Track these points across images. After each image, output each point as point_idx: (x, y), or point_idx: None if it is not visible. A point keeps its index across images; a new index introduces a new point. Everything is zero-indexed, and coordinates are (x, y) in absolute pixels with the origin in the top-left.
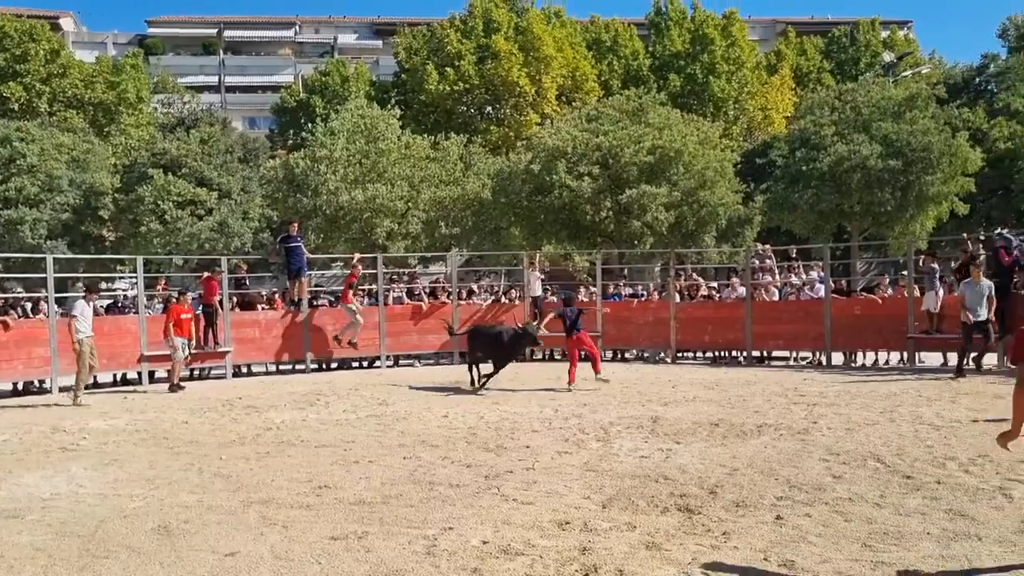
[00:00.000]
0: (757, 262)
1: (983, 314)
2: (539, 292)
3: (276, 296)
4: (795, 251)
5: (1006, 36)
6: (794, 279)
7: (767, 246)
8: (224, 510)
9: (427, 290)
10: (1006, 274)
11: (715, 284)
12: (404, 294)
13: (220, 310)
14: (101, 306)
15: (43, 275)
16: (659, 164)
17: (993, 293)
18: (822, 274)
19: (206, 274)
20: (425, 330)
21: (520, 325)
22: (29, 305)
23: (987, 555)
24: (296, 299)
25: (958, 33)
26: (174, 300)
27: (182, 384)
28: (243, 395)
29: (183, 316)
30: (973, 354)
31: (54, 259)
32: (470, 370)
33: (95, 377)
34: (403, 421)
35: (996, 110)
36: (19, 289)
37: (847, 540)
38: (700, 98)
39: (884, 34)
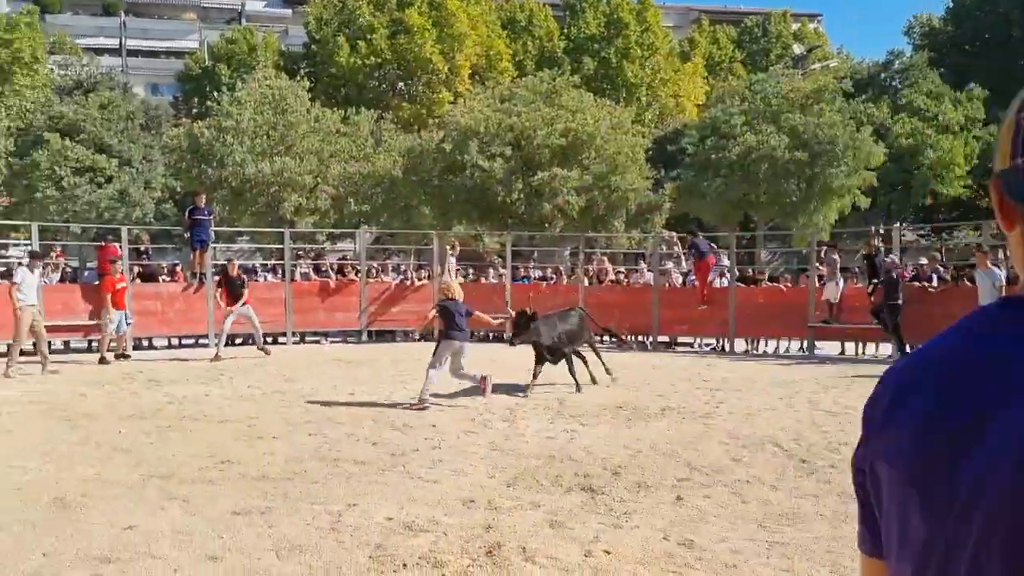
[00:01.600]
0: (664, 248)
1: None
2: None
3: (179, 269)
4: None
5: (911, 34)
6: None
7: (673, 233)
8: (123, 484)
9: (335, 267)
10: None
11: (623, 269)
12: (311, 270)
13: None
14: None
15: None
16: (571, 147)
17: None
18: (727, 262)
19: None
20: (333, 307)
21: None
22: None
23: None
24: (199, 271)
25: (865, 29)
26: (111, 272)
27: (112, 358)
28: (143, 369)
29: (119, 287)
30: None
31: None
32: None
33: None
34: (308, 398)
35: (900, 106)
36: None
37: (744, 520)
38: (613, 83)
39: (795, 26)
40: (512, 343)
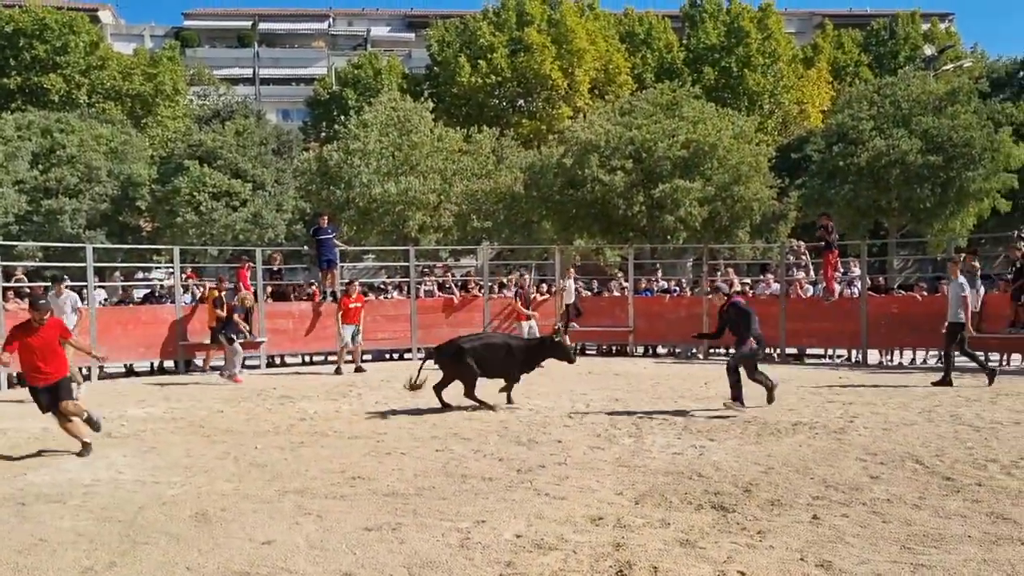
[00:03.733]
0: (791, 258)
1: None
2: (573, 298)
3: (314, 287)
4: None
5: None
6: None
7: (801, 242)
8: (260, 499)
9: (458, 283)
10: None
11: (748, 280)
12: (435, 287)
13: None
14: (137, 296)
15: (83, 264)
16: (693, 158)
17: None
18: (858, 271)
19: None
20: (457, 323)
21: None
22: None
23: None
24: (330, 290)
25: (1001, 26)
26: (342, 292)
27: (352, 369)
28: (277, 385)
29: (351, 306)
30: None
31: (93, 249)
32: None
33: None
34: (435, 414)
35: None
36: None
37: (886, 541)
38: (735, 92)
39: (924, 27)
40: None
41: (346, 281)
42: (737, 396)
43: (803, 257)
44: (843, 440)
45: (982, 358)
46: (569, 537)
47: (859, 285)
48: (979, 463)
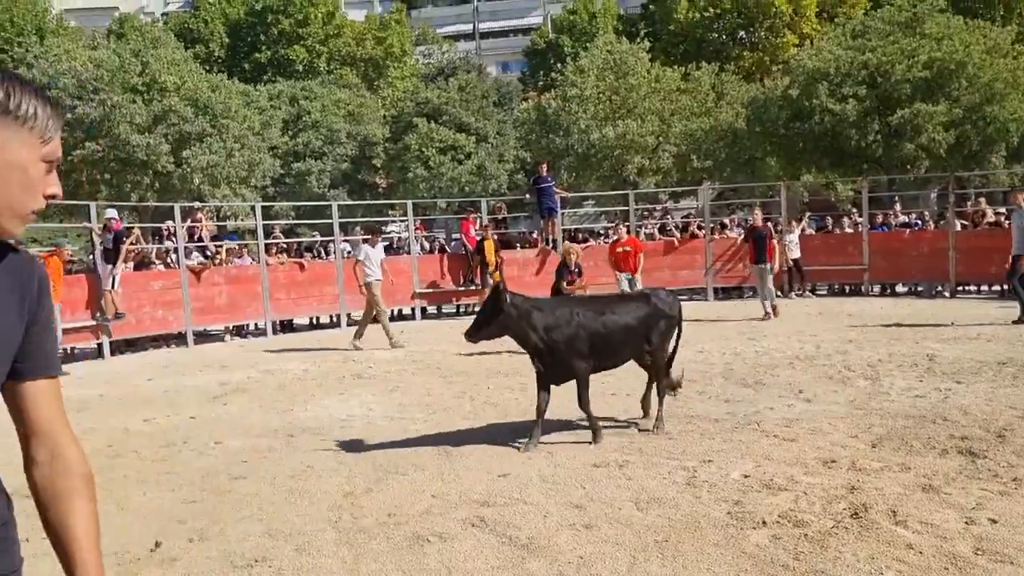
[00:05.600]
0: None
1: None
2: (797, 254)
3: (536, 236)
4: None
5: None
6: None
7: None
8: (494, 435)
9: (679, 225)
10: None
11: (1004, 210)
12: (656, 229)
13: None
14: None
15: (329, 220)
16: (937, 79)
17: None
18: None
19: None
20: (678, 265)
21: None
22: (322, 249)
23: None
24: (551, 238)
25: None
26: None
27: None
28: None
29: (618, 251)
30: None
31: (337, 206)
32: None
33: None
34: None
35: None
36: (315, 233)
37: None
38: (989, 0)
39: None
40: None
41: (612, 226)
42: None
43: None
44: None
45: None
46: (800, 479)
47: None
48: None
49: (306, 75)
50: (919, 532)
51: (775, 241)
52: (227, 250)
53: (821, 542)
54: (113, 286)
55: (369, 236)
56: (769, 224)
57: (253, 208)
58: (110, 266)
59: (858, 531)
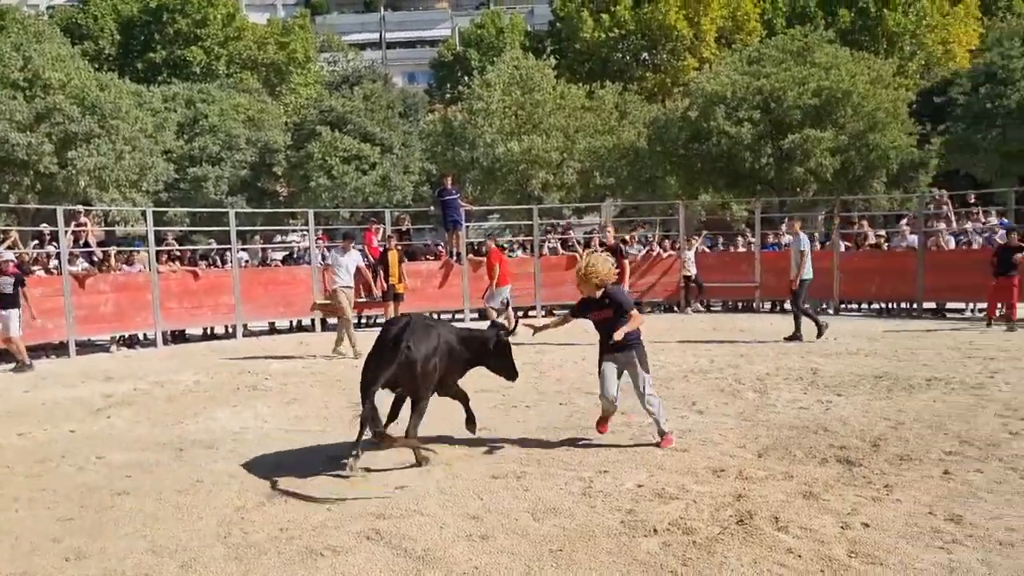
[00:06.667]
0: (931, 208)
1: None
2: (693, 271)
3: (440, 248)
4: (974, 196)
5: None
6: (971, 226)
7: (943, 191)
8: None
9: (581, 241)
10: None
11: (884, 232)
12: (559, 244)
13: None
14: (276, 258)
15: (226, 228)
16: (825, 106)
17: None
18: (1005, 221)
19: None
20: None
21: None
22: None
23: None
24: (455, 251)
25: None
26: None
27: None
28: None
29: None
30: None
31: (235, 213)
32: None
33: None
34: (558, 369)
35: None
36: (211, 240)
37: (1022, 497)
38: (872, 34)
39: None
40: None
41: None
42: None
43: (944, 207)
44: (981, 396)
45: None
46: (690, 487)
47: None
48: None
49: (204, 78)
50: (799, 537)
51: (626, 260)
52: (115, 255)
53: (708, 548)
54: (17, 331)
55: (341, 242)
56: (620, 243)
57: (144, 213)
58: (9, 311)
59: (743, 537)
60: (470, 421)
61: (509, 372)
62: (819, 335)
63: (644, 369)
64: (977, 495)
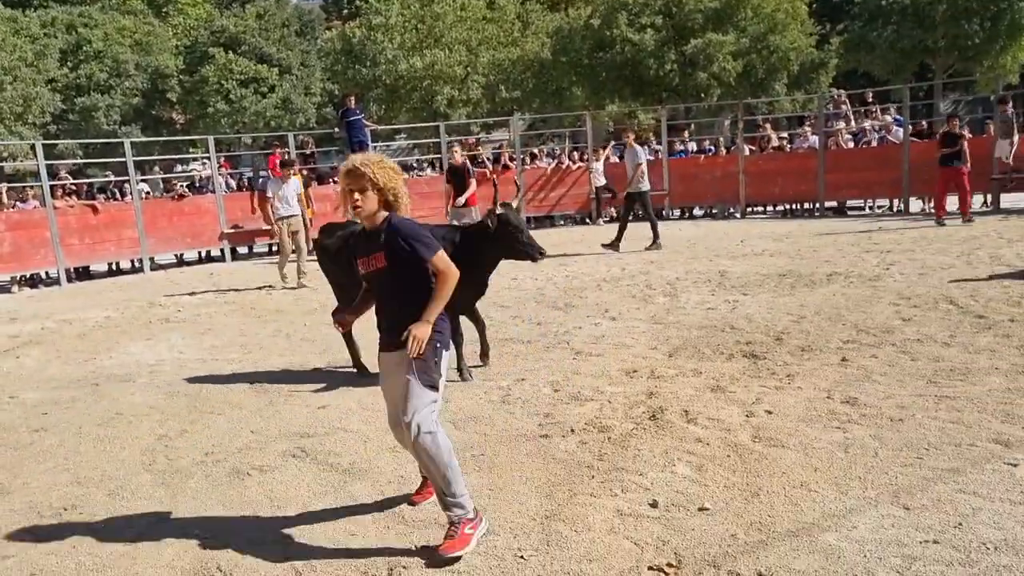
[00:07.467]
0: (831, 108)
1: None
2: (603, 181)
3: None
4: (871, 94)
5: None
6: (868, 124)
7: (841, 91)
8: (312, 369)
9: (490, 157)
10: None
11: (786, 135)
12: (467, 161)
13: None
14: (183, 185)
15: (122, 159)
16: (725, 10)
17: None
18: (900, 117)
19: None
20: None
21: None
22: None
23: None
24: None
25: None
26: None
27: None
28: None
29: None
30: None
31: (131, 143)
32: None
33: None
34: None
35: None
36: (107, 173)
37: (912, 377)
38: None
39: None
40: None
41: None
42: None
43: (843, 107)
44: (878, 287)
45: None
46: (604, 389)
47: (901, 132)
48: (1014, 300)
49: (83, 0)
50: (707, 427)
51: (472, 180)
52: (7, 191)
53: (622, 443)
54: None
55: (282, 170)
56: (467, 162)
57: (33, 147)
58: None
59: (655, 431)
60: (484, 354)
61: (530, 250)
62: (651, 246)
63: (425, 381)
64: (871, 378)
